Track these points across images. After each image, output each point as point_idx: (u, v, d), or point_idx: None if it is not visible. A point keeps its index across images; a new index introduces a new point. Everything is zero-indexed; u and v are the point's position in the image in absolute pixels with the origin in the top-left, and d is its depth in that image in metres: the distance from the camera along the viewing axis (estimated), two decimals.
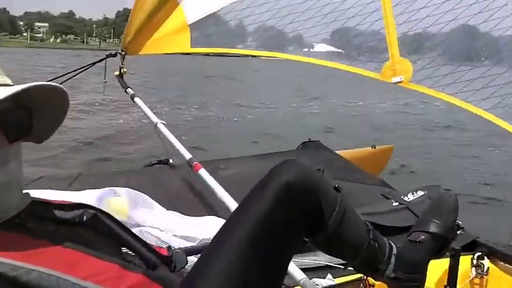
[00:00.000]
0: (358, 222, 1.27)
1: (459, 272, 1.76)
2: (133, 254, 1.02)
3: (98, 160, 7.05)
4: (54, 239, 0.86)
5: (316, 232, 1.18)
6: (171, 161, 3.15)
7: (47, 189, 2.08)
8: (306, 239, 1.22)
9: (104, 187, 2.15)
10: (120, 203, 2.00)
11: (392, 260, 1.30)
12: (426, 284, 1.40)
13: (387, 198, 2.45)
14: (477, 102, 2.36)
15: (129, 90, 3.25)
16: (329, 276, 1.72)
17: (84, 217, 0.97)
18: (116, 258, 0.90)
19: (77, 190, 2.15)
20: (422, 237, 1.36)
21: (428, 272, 1.39)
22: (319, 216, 1.15)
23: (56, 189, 2.13)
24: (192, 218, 2.10)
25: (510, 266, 1.79)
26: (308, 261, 1.80)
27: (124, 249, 1.02)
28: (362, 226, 1.27)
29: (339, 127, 10.49)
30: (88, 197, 1.96)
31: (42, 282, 0.79)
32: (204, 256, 1.16)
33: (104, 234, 0.98)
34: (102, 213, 1.00)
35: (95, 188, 2.13)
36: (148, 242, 1.08)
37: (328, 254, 1.38)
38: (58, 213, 0.95)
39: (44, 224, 0.91)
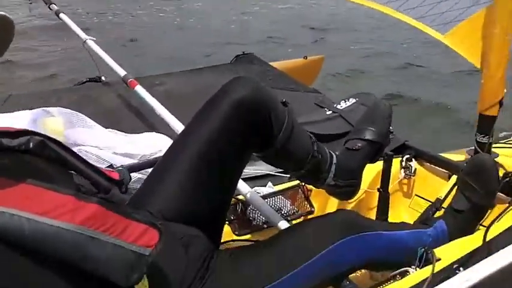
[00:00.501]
0: (304, 136, 1.31)
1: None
2: (84, 178, 1.00)
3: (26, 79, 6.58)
4: (3, 172, 0.82)
5: (266, 146, 1.22)
6: (103, 78, 3.06)
7: None
8: (255, 154, 1.26)
9: (35, 107, 2.08)
10: (55, 123, 1.95)
11: (333, 168, 1.36)
12: (361, 187, 1.49)
13: (321, 107, 2.51)
14: (407, 12, 2.39)
15: (53, 6, 3.07)
16: (269, 184, 1.78)
17: (31, 144, 0.91)
18: (70, 190, 0.87)
19: (9, 112, 2.07)
20: (359, 144, 1.43)
21: (363, 176, 1.47)
22: (269, 131, 1.19)
23: None
24: (131, 135, 2.08)
25: (435, 167, 1.91)
26: (248, 171, 1.84)
27: (74, 174, 0.99)
28: (307, 139, 1.32)
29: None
30: (22, 118, 1.89)
31: None
32: (155, 172, 1.19)
33: (52, 161, 0.95)
34: (49, 140, 0.96)
35: (27, 109, 2.06)
36: (89, 161, 1.05)
37: (275, 167, 1.43)
38: (4, 140, 0.89)
39: None
